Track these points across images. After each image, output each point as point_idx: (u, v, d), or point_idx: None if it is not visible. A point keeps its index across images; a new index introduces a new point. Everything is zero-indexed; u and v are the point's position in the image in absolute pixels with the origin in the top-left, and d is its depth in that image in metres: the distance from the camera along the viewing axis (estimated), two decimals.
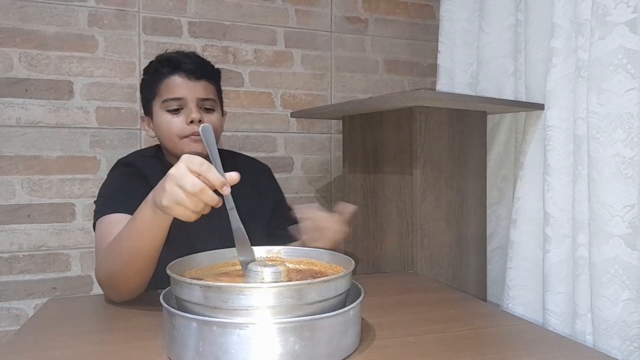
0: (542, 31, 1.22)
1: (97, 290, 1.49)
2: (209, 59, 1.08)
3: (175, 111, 1.00)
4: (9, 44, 1.41)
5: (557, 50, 1.13)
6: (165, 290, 0.66)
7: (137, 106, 1.53)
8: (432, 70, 1.77)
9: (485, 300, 1.34)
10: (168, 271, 0.62)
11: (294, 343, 0.56)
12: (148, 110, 1.06)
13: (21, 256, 1.43)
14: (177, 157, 0.96)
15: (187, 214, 0.64)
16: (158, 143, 1.09)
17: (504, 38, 1.36)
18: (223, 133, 1.19)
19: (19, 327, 0.76)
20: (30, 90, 1.43)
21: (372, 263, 1.36)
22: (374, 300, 0.86)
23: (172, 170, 0.64)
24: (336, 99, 1.77)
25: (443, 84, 1.56)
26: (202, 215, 0.66)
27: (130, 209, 0.77)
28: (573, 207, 1.10)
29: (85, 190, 1.48)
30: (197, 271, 0.72)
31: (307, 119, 1.72)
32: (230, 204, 0.66)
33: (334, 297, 0.60)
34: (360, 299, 0.64)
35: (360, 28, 1.80)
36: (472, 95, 1.43)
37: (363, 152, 1.39)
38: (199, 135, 0.95)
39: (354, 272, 0.67)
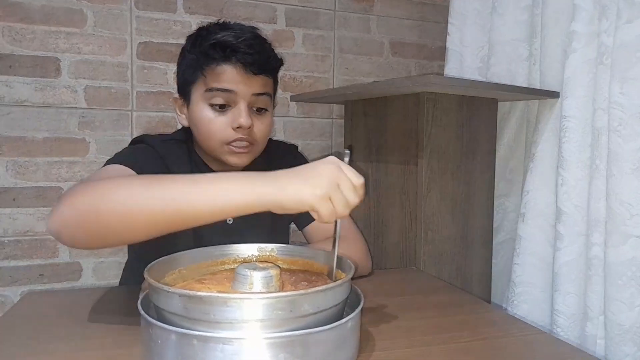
0: (561, 13, 1.13)
1: (85, 279, 1.44)
2: None
3: (221, 108, 0.82)
4: None
5: (578, 34, 1.05)
6: (144, 293, 0.60)
7: (129, 86, 1.46)
8: (441, 53, 1.69)
9: (489, 297, 1.29)
10: (145, 274, 0.55)
11: (284, 359, 0.50)
12: (185, 94, 0.87)
13: (6, 241, 1.37)
14: (212, 157, 0.87)
15: (330, 212, 0.57)
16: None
17: (519, 20, 1.27)
18: None
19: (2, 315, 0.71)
20: (14, 67, 1.35)
21: (373, 257, 1.30)
22: (374, 302, 0.80)
23: (329, 166, 0.58)
24: (339, 82, 1.69)
25: (451, 68, 1.48)
26: None
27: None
28: (588, 203, 1.03)
29: (73, 174, 1.42)
30: (181, 271, 0.66)
31: (307, 102, 1.64)
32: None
33: (331, 307, 0.54)
34: (359, 308, 0.58)
35: (365, 7, 1.71)
36: (483, 82, 1.35)
37: (366, 140, 1.32)
38: (244, 143, 0.84)
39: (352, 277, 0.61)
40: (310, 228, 0.99)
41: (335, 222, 0.62)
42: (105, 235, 0.61)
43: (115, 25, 1.43)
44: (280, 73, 1.65)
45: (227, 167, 0.88)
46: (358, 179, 0.58)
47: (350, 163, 0.61)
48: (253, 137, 0.85)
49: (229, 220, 0.91)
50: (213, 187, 0.58)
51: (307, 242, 1.01)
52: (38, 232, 1.39)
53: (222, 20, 0.87)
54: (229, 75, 0.81)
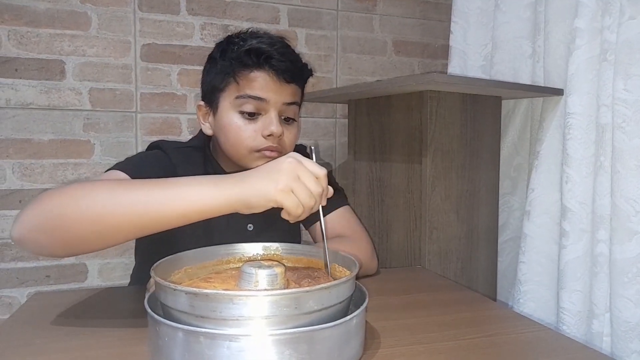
0: (564, 10, 1.13)
1: (91, 280, 1.45)
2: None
3: (251, 115, 0.81)
4: None
5: (581, 30, 1.05)
6: (150, 292, 0.60)
7: (133, 87, 1.46)
8: (444, 51, 1.69)
9: (495, 295, 1.29)
10: (152, 273, 0.56)
11: (289, 356, 0.50)
12: (212, 101, 0.85)
13: (13, 243, 1.38)
14: (235, 164, 0.86)
15: (295, 203, 0.60)
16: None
17: (522, 17, 1.27)
18: None
19: (10, 315, 0.72)
20: (20, 70, 1.36)
21: (378, 257, 1.30)
22: (379, 300, 0.80)
23: (288, 159, 0.60)
24: (342, 82, 1.69)
25: (455, 67, 1.48)
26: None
27: None
28: (593, 200, 1.03)
29: (78, 175, 1.43)
30: (187, 270, 0.66)
31: (311, 102, 1.64)
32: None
33: (335, 304, 0.54)
34: (364, 305, 0.58)
35: (368, 6, 1.71)
36: (486, 80, 1.35)
37: (370, 139, 1.32)
38: (273, 151, 0.82)
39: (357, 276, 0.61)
40: (316, 227, 0.99)
41: (320, 216, 0.65)
42: (69, 242, 0.60)
43: (119, 27, 1.44)
44: None
45: None
46: (320, 170, 0.61)
47: (316, 160, 0.64)
48: (282, 146, 0.84)
49: (249, 227, 0.92)
50: (178, 191, 0.59)
51: (314, 241, 1.01)
52: None
53: (250, 30, 0.87)
54: (262, 82, 0.80)
